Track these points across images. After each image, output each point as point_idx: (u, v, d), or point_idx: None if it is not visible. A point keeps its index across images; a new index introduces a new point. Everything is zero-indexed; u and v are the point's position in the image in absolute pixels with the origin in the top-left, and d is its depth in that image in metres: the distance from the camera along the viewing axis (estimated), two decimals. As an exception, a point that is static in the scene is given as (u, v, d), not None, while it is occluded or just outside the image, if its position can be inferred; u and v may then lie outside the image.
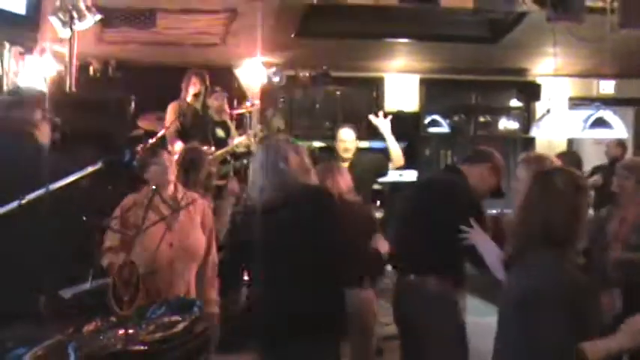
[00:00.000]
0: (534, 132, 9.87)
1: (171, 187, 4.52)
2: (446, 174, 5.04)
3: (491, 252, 4.01)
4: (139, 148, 7.28)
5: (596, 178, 8.54)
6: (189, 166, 5.33)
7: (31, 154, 3.80)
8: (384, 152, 6.79)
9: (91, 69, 8.79)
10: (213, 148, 7.07)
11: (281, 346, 3.73)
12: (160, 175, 4.43)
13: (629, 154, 11.04)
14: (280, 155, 3.87)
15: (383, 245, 4.89)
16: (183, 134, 7.55)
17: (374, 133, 7.16)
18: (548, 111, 9.33)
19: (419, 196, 4.80)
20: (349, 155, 6.49)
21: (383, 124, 6.74)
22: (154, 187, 4.13)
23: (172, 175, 4.53)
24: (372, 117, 6.94)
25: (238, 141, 7.49)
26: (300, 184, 3.86)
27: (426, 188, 4.92)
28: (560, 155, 7.26)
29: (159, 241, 4.19)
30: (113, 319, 3.10)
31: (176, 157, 7.15)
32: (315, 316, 3.73)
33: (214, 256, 4.59)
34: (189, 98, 7.69)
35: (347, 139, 6.46)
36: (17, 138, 3.84)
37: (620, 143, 8.89)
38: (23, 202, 3.28)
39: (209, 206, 4.72)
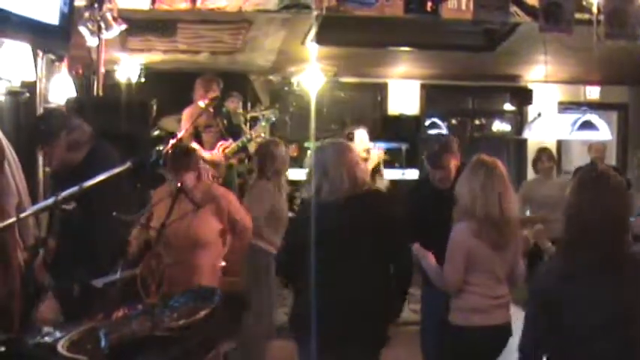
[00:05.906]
0: (526, 134, 9.87)
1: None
2: None
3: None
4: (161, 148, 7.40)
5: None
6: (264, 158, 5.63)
7: None
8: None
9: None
10: (231, 140, 7.26)
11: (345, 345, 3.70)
12: None
13: (613, 154, 11.09)
14: (340, 157, 3.83)
15: None
16: (198, 136, 7.59)
17: (378, 134, 7.21)
18: (539, 114, 9.34)
19: None
20: (365, 155, 6.55)
21: None
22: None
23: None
24: None
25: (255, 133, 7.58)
26: (360, 186, 3.82)
27: None
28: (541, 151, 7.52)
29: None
30: (140, 306, 3.13)
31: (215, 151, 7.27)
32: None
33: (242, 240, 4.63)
34: (204, 102, 7.71)
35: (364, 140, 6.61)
36: None
37: (601, 144, 8.88)
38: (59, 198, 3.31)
39: (224, 194, 4.61)
